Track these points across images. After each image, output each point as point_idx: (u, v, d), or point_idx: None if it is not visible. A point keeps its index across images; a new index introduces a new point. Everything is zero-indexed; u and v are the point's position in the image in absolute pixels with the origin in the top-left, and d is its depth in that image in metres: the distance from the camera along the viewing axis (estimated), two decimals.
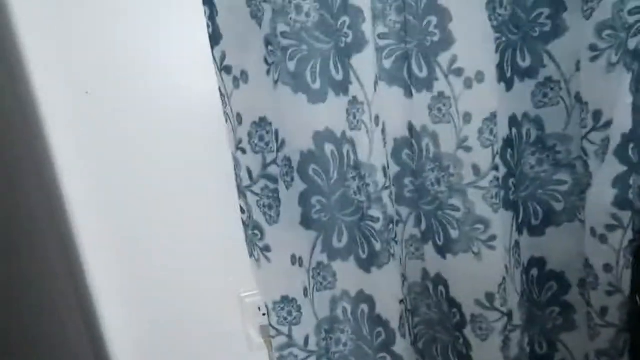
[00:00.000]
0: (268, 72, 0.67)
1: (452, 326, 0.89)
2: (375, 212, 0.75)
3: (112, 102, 0.77)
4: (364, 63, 0.69)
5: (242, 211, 0.75)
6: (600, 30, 0.72)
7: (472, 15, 0.69)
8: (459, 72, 0.72)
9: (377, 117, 0.73)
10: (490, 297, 0.80)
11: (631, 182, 0.75)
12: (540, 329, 0.94)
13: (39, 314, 0.70)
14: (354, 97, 0.72)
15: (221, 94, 0.70)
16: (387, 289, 0.79)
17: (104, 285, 0.84)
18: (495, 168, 0.75)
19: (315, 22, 0.72)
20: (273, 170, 0.70)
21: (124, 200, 0.81)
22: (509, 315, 0.82)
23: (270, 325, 0.76)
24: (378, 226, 0.76)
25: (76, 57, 0.74)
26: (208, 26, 0.67)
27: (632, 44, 0.69)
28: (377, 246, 0.77)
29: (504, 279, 0.80)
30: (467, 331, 0.85)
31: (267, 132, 0.68)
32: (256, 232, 0.73)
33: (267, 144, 0.68)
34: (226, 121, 0.71)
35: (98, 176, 0.79)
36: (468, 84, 0.72)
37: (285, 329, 0.76)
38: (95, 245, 0.82)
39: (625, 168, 0.74)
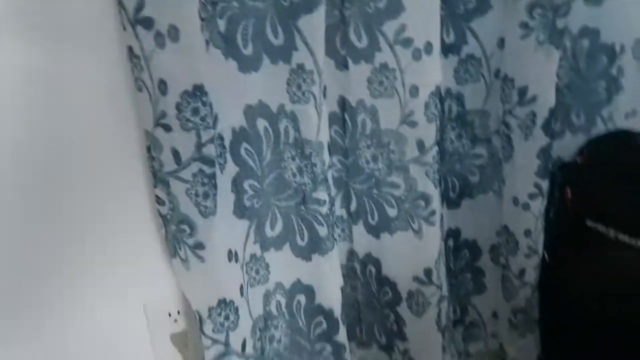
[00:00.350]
0: (202, 29, 0.54)
1: (382, 305, 0.87)
2: (321, 194, 0.68)
3: None
4: (315, 25, 0.60)
5: (161, 203, 0.61)
6: (531, 9, 0.73)
7: None
8: (407, 42, 0.67)
9: (325, 89, 0.64)
10: (428, 272, 0.79)
11: (551, 153, 0.79)
12: (455, 296, 0.98)
13: None
14: (300, 66, 0.62)
15: (133, 56, 0.55)
16: (329, 276, 0.74)
17: None
18: (438, 143, 0.73)
19: None
20: (209, 150, 0.57)
21: None
22: (441, 287, 0.83)
23: (204, 334, 0.65)
24: (324, 209, 0.69)
25: None
26: None
27: (560, 24, 0.72)
28: (322, 231, 0.70)
29: (439, 253, 0.80)
30: (401, 308, 0.83)
31: (204, 104, 0.55)
32: (184, 227, 0.61)
33: (202, 119, 0.56)
34: (140, 90, 0.56)
35: None
36: (417, 56, 0.68)
37: (222, 337, 0.65)
38: None
39: (548, 140, 0.78)
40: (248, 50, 0.64)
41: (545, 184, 0.81)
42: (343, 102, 0.76)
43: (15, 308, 0.62)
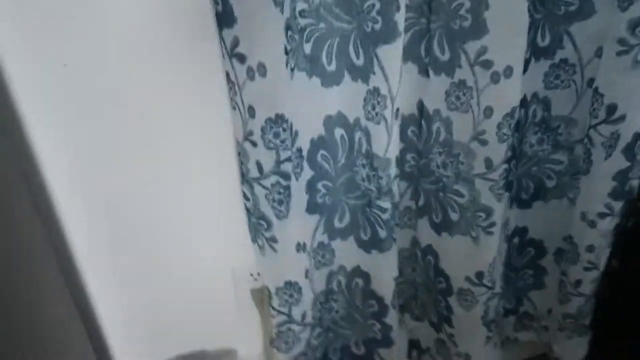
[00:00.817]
0: (287, 63, 0.59)
1: (436, 291, 0.94)
2: (384, 203, 0.74)
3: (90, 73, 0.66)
4: (392, 55, 0.63)
5: (246, 198, 0.71)
6: (634, 26, 0.68)
7: (511, 5, 0.62)
8: (487, 64, 0.67)
9: (397, 110, 0.68)
10: (480, 275, 0.84)
11: (630, 175, 0.77)
12: (512, 288, 1.02)
13: (24, 291, 0.66)
14: (376, 89, 0.66)
15: (229, 80, 0.62)
16: (385, 269, 0.82)
17: (93, 253, 0.80)
18: (507, 161, 0.74)
19: None
20: (286, 167, 0.65)
21: (109, 171, 0.74)
22: (493, 287, 0.88)
23: (272, 307, 0.77)
24: (386, 216, 0.75)
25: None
26: (215, 2, 0.57)
27: None
28: (383, 234, 0.77)
29: (494, 259, 0.84)
30: (452, 299, 0.90)
31: (284, 130, 0.62)
32: (262, 222, 0.71)
33: (282, 142, 0.63)
34: (233, 109, 0.64)
35: (79, 148, 0.71)
36: (495, 79, 0.68)
37: (285, 310, 0.78)
38: (81, 218, 0.76)
39: (628, 164, 0.75)
40: (332, 67, 0.68)
41: (617, 205, 0.79)
42: (421, 107, 0.79)
43: None
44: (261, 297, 0.89)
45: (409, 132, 0.82)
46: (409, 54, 0.74)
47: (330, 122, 0.72)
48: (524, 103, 0.81)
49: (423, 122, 0.79)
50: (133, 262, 0.80)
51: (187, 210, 0.78)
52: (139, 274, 0.83)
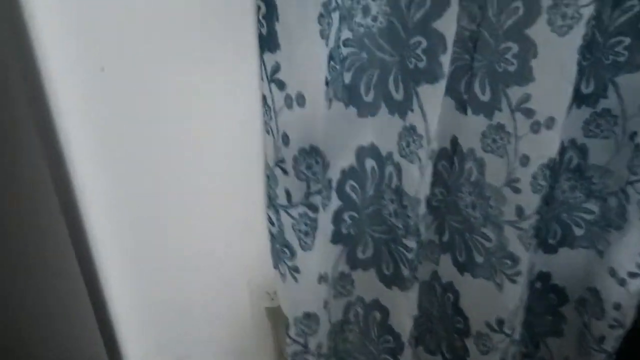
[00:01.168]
0: (326, 94, 0.58)
1: (453, 329, 0.92)
2: (410, 242, 0.72)
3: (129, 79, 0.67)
4: (433, 96, 0.62)
5: (271, 223, 0.70)
6: None
7: (561, 56, 0.61)
8: (528, 112, 0.66)
9: (433, 151, 0.67)
10: (500, 322, 0.82)
11: None
12: (531, 332, 0.99)
13: (44, 297, 0.66)
14: (412, 126, 0.65)
15: (265, 103, 0.61)
16: (404, 306, 0.80)
17: (113, 263, 0.80)
18: (539, 212, 0.72)
19: (381, 27, 0.62)
20: (316, 199, 0.64)
21: (136, 181, 0.74)
22: (512, 334, 0.85)
23: (288, 335, 0.76)
24: (410, 255, 0.73)
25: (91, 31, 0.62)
26: (260, 25, 0.57)
27: None
28: (405, 272, 0.75)
29: (516, 307, 0.81)
30: (469, 341, 0.88)
31: (317, 162, 0.61)
32: (286, 250, 0.70)
33: (314, 173, 0.62)
34: (267, 132, 0.64)
35: (111, 156, 0.71)
36: (535, 129, 0.66)
37: (301, 340, 0.76)
38: (104, 227, 0.76)
39: None
40: (369, 97, 0.67)
41: None
42: (455, 143, 0.77)
43: None
44: (276, 318, 0.88)
45: (440, 166, 0.80)
46: (447, 88, 0.72)
47: (362, 152, 0.71)
48: (560, 149, 0.80)
49: (455, 158, 0.77)
50: (149, 262, 0.80)
51: (206, 215, 0.78)
52: (154, 276, 0.82)
